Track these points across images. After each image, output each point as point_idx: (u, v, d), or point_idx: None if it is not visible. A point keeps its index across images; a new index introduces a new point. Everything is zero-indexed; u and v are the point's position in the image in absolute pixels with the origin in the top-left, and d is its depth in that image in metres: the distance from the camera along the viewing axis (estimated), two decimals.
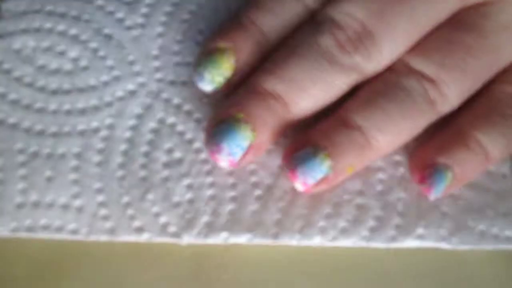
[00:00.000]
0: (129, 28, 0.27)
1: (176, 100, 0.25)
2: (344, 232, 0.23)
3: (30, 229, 0.23)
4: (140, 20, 0.27)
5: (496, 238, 0.24)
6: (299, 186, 0.22)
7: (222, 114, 0.22)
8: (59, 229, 0.23)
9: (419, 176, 0.23)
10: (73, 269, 0.23)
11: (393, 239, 0.23)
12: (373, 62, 0.23)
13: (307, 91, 0.22)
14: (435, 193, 0.23)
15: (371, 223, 0.23)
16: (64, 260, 0.23)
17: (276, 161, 0.24)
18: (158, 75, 0.26)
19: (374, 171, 0.24)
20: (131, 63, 0.26)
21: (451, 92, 0.23)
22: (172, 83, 0.26)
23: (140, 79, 0.26)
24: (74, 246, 0.23)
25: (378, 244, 0.23)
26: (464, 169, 0.23)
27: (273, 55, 0.23)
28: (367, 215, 0.24)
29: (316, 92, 0.22)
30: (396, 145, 0.23)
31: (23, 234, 0.23)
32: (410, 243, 0.23)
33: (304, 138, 0.23)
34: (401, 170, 0.25)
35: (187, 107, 0.25)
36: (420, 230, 0.23)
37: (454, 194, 0.24)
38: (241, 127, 0.22)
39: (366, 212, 0.24)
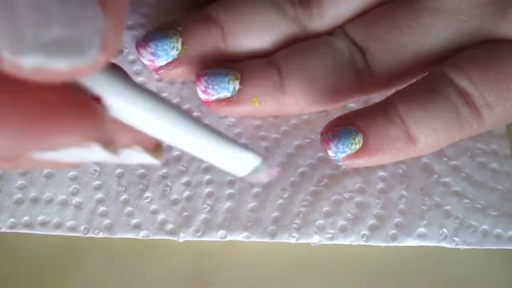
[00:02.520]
0: (130, 28, 0.27)
1: (175, 100, 0.25)
2: (343, 230, 0.23)
3: (28, 225, 0.23)
4: (140, 20, 0.27)
5: (500, 238, 0.23)
6: (200, 92, 0.23)
7: (164, 25, 0.24)
8: (57, 226, 0.23)
9: (325, 130, 0.22)
10: (73, 267, 0.23)
11: (394, 238, 0.23)
12: (314, 20, 0.24)
13: (246, 25, 0.24)
14: (335, 149, 0.21)
15: (371, 221, 0.23)
16: (64, 257, 0.23)
17: (274, 158, 0.24)
18: (156, 75, 0.26)
19: (375, 168, 0.24)
20: (131, 62, 0.26)
21: (376, 65, 0.23)
22: (172, 82, 0.26)
23: (140, 78, 0.26)
24: (74, 243, 0.23)
25: (378, 243, 0.23)
26: (377, 137, 0.21)
27: None
28: (367, 213, 0.23)
29: (254, 30, 0.24)
30: (310, 98, 0.23)
31: (21, 231, 0.23)
32: (411, 242, 0.23)
33: (227, 63, 0.24)
34: (403, 167, 0.24)
35: (186, 106, 0.25)
36: (421, 229, 0.23)
37: (458, 192, 0.24)
38: (173, 37, 0.23)
39: (366, 210, 0.23)
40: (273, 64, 0.23)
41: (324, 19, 0.24)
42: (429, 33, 0.23)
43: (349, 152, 0.21)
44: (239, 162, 0.17)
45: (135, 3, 0.27)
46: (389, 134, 0.21)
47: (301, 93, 0.23)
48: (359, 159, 0.21)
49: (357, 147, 0.21)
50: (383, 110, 0.21)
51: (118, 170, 0.24)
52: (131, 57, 0.26)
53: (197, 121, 0.15)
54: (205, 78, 0.23)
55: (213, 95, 0.23)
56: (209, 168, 0.24)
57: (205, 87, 0.23)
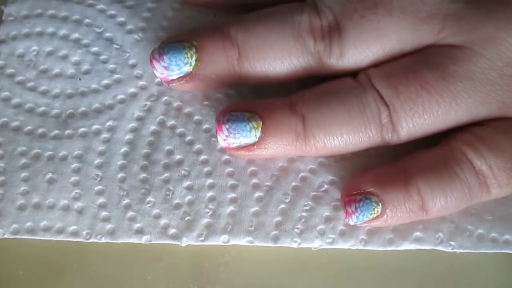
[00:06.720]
0: (130, 32, 0.27)
1: (176, 103, 0.25)
2: (342, 235, 0.23)
3: (30, 231, 0.23)
4: (141, 24, 0.27)
5: (495, 242, 0.24)
6: (221, 140, 0.23)
7: (181, 36, 0.23)
8: (60, 231, 0.23)
9: (349, 198, 0.23)
10: (73, 268, 0.23)
11: (391, 242, 0.23)
12: (332, 57, 0.23)
13: (263, 52, 0.23)
14: (356, 220, 0.22)
15: (369, 226, 0.24)
16: (63, 257, 0.23)
17: (276, 163, 0.25)
18: (159, 79, 0.26)
19: None
20: (132, 66, 0.26)
21: (399, 123, 0.22)
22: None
23: (141, 82, 0.26)
24: (74, 245, 0.23)
25: (376, 247, 0.23)
26: (394, 210, 0.22)
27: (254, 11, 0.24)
28: None
29: (270, 58, 0.23)
30: (331, 149, 0.23)
31: (24, 236, 0.23)
32: (408, 246, 0.23)
33: (246, 104, 0.23)
34: None
35: (187, 109, 0.25)
36: (417, 234, 0.23)
37: None
38: (189, 52, 0.23)
39: None
40: (297, 113, 0.22)
41: (343, 59, 0.23)
42: (456, 101, 0.22)
43: (367, 220, 0.22)
44: None
45: (135, 7, 0.27)
46: (407, 208, 0.22)
47: (324, 147, 0.23)
48: (374, 223, 0.23)
49: (375, 215, 0.22)
50: (404, 186, 0.22)
51: (120, 175, 0.24)
52: (131, 61, 0.26)
53: None
54: (227, 126, 0.22)
55: (234, 144, 0.23)
56: (211, 173, 0.24)
57: (227, 136, 0.22)
